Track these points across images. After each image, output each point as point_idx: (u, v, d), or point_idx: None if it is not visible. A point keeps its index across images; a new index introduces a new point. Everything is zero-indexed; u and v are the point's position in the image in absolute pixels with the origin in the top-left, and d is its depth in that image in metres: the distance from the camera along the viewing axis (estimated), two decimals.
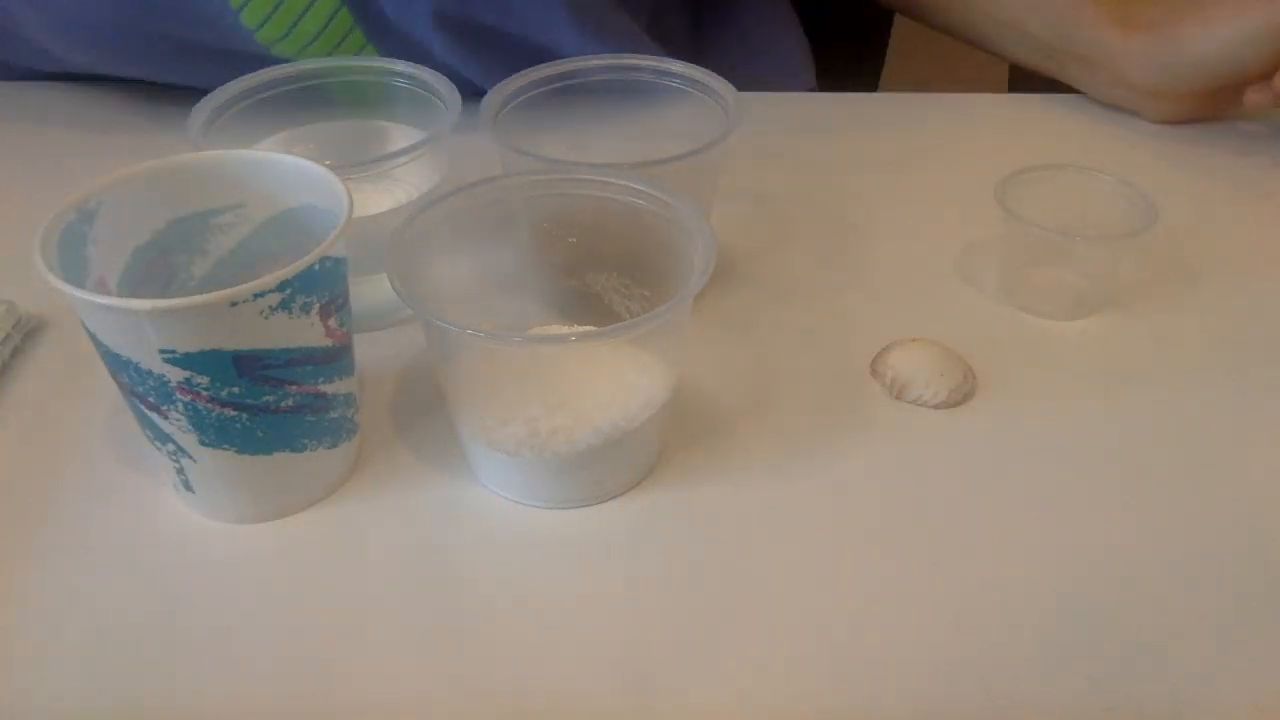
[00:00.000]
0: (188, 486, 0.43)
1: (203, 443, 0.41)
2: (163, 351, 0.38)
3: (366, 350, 0.48)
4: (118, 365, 0.40)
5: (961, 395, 0.49)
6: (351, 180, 0.43)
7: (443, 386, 0.44)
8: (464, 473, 0.46)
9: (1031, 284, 0.54)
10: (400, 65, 0.55)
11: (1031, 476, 0.46)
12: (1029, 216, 0.52)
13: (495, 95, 0.53)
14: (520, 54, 0.55)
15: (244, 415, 0.40)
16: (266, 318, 0.38)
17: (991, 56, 0.74)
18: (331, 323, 0.41)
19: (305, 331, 0.40)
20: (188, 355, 0.38)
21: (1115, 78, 0.67)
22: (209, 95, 0.52)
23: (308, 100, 0.55)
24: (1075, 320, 0.53)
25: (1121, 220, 0.53)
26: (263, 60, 0.57)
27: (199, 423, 0.40)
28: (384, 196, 0.51)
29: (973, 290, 0.56)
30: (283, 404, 0.41)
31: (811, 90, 0.77)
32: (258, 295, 0.37)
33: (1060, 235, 0.51)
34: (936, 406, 0.49)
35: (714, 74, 0.54)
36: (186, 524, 0.44)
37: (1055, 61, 0.69)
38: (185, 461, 0.42)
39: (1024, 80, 0.74)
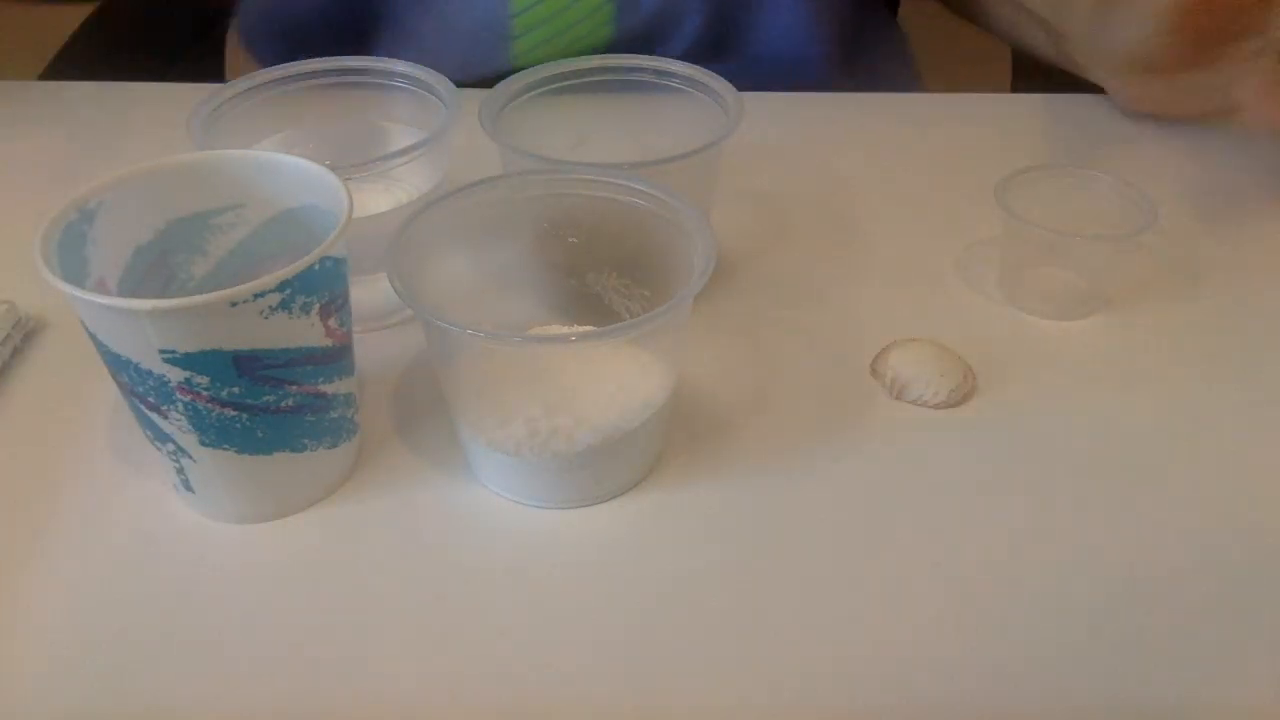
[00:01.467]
0: (188, 486, 0.43)
1: (203, 443, 0.41)
2: (163, 351, 0.38)
3: (366, 350, 0.48)
4: (118, 365, 0.40)
5: (961, 395, 0.49)
6: (351, 180, 0.43)
7: (443, 386, 0.44)
8: (464, 473, 0.46)
9: (1031, 284, 0.54)
10: (400, 65, 0.55)
11: (1031, 476, 0.46)
12: (1029, 216, 0.52)
13: (495, 95, 0.53)
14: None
15: (244, 415, 0.40)
16: (266, 318, 0.38)
17: (991, 55, 0.74)
18: (331, 323, 0.41)
19: (305, 331, 0.40)
20: (188, 355, 0.38)
21: (1077, 46, 0.66)
22: (209, 94, 0.52)
23: (308, 100, 0.55)
24: (1075, 320, 0.53)
25: (1121, 220, 0.53)
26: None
27: (199, 423, 0.40)
28: (384, 196, 0.51)
29: (973, 290, 0.56)
30: (283, 404, 0.41)
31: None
32: (258, 295, 0.37)
33: (1060, 235, 0.51)
34: (936, 406, 0.49)
35: (714, 74, 0.54)
36: (186, 524, 0.44)
37: (1054, 43, 0.69)
38: (185, 461, 0.42)
39: (1024, 80, 0.74)
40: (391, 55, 0.55)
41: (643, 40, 0.70)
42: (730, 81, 0.53)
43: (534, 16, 0.68)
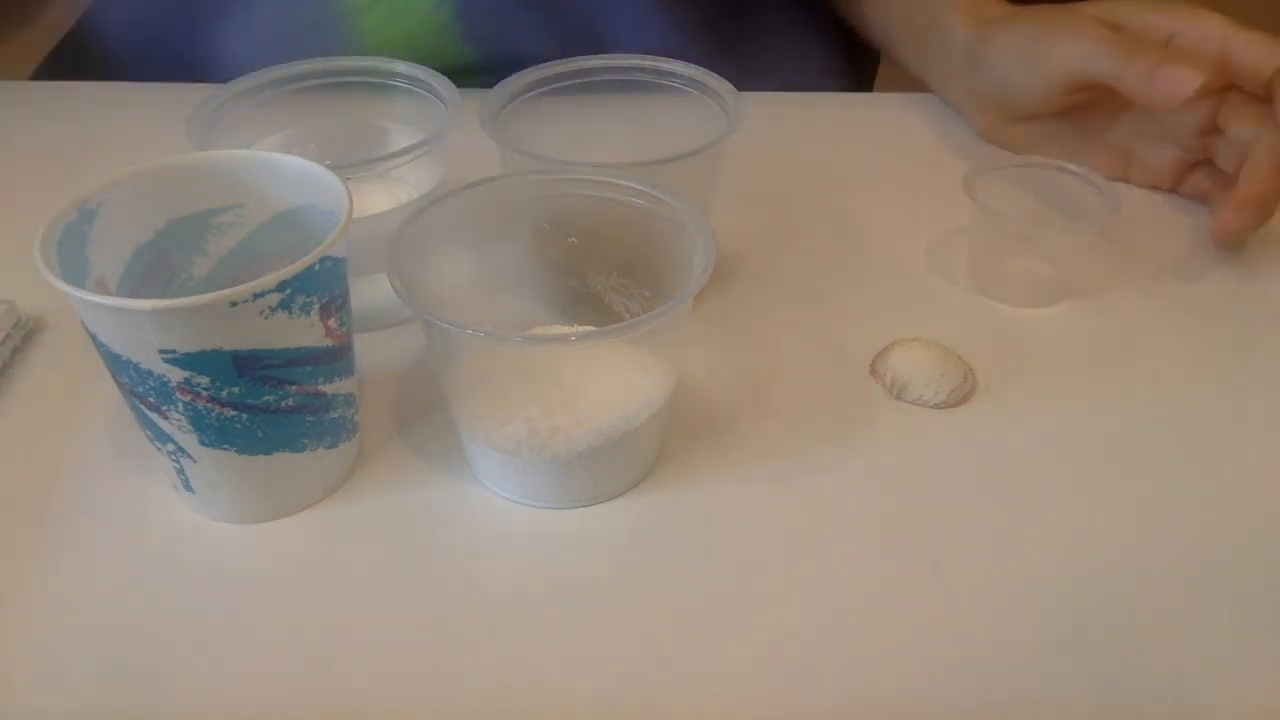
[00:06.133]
0: (188, 486, 0.43)
1: (203, 443, 0.41)
2: (163, 351, 0.38)
3: (366, 350, 0.48)
4: (118, 365, 0.40)
5: (961, 395, 0.49)
6: (351, 180, 0.43)
7: (443, 386, 0.44)
8: (464, 473, 0.46)
9: (1001, 273, 0.55)
10: (400, 65, 0.55)
11: (1032, 476, 0.46)
12: (1000, 208, 0.53)
13: (495, 95, 0.53)
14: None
15: (244, 415, 0.40)
16: (266, 318, 0.38)
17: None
18: (331, 323, 0.41)
19: (305, 331, 0.40)
20: (188, 355, 0.38)
21: (950, 70, 0.66)
22: (209, 95, 0.52)
23: (308, 100, 0.55)
24: (1045, 308, 0.54)
25: (1088, 211, 0.54)
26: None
27: (199, 423, 0.40)
28: (384, 196, 0.51)
29: (973, 290, 0.56)
30: (283, 404, 0.41)
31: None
32: (258, 295, 0.37)
33: (1030, 226, 0.53)
34: (936, 406, 0.49)
35: (714, 74, 0.54)
36: (186, 524, 0.44)
37: (919, 55, 0.69)
38: (185, 461, 0.42)
39: None
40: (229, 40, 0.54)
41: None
42: None
43: None
